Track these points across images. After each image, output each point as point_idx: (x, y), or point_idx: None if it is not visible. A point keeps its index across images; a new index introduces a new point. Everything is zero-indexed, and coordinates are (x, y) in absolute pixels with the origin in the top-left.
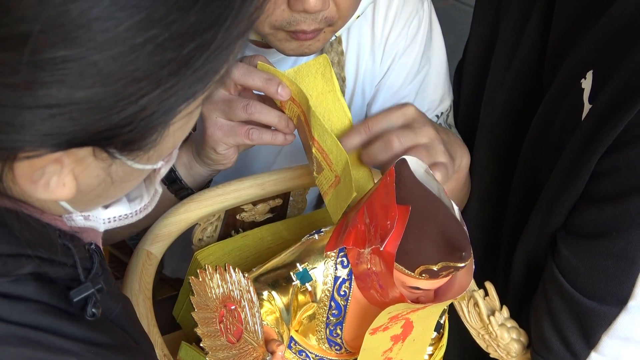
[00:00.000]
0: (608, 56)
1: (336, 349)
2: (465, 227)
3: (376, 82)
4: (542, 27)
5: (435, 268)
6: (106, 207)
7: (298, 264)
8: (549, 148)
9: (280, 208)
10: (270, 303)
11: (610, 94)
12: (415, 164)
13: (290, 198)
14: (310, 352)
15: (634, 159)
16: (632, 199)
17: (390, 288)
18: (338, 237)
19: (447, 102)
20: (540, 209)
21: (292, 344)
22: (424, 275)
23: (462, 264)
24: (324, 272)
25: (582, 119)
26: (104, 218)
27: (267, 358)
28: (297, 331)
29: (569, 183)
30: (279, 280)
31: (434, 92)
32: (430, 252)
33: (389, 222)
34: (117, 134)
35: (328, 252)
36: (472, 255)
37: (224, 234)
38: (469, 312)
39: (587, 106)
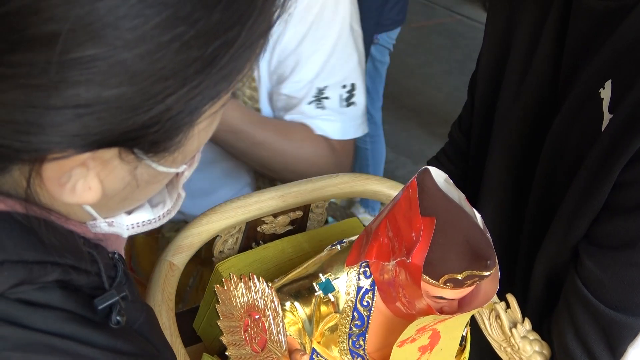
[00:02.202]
0: (627, 65)
1: None
2: (489, 235)
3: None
4: (556, 40)
5: (460, 277)
6: (129, 213)
7: (321, 275)
8: (567, 160)
9: (300, 220)
10: (293, 314)
11: (632, 104)
12: (435, 173)
13: (311, 211)
14: None
15: None
16: None
17: (417, 300)
18: (359, 251)
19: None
20: (561, 220)
21: (314, 356)
22: (448, 284)
23: (487, 273)
24: (346, 282)
25: (602, 129)
26: (128, 224)
27: None
28: (319, 342)
29: (591, 194)
30: (301, 291)
31: (340, 65)
32: (454, 261)
33: (414, 234)
34: (143, 134)
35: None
36: (497, 263)
37: (244, 246)
38: (490, 324)
39: (607, 116)
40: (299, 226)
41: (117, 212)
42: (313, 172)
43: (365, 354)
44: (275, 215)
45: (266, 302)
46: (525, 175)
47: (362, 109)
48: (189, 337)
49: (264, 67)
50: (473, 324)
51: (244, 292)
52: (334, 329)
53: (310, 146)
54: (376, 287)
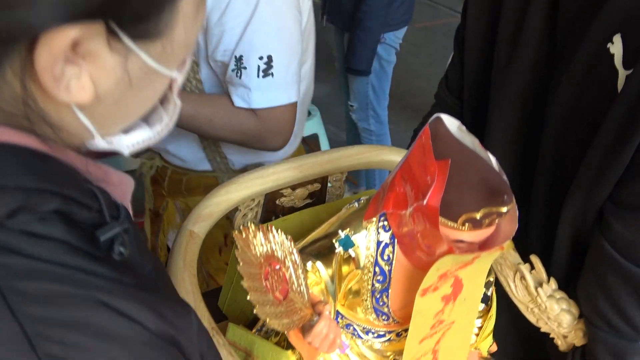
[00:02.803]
0: (636, 14)
1: (383, 319)
2: (504, 176)
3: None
4: (548, 8)
5: (477, 216)
6: (127, 132)
7: (340, 231)
8: (579, 122)
9: (319, 193)
10: (315, 274)
11: None
12: (448, 120)
13: (329, 184)
14: (357, 325)
15: None
16: None
17: (437, 244)
18: (376, 205)
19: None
20: (582, 183)
21: (338, 318)
22: (467, 225)
23: (505, 208)
24: (366, 237)
25: (619, 86)
26: (127, 143)
27: (315, 318)
28: (343, 305)
29: (615, 154)
30: (322, 251)
31: (257, 37)
32: (471, 200)
33: (429, 178)
34: (124, 3)
35: (368, 220)
36: (513, 200)
37: (264, 220)
38: (516, 286)
39: (622, 72)
40: (317, 199)
41: (113, 125)
42: (246, 141)
43: (389, 312)
44: (293, 188)
45: (286, 254)
46: (530, 143)
47: (282, 79)
48: (215, 318)
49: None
50: (499, 289)
51: (263, 241)
52: (357, 292)
53: (227, 118)
54: (396, 240)
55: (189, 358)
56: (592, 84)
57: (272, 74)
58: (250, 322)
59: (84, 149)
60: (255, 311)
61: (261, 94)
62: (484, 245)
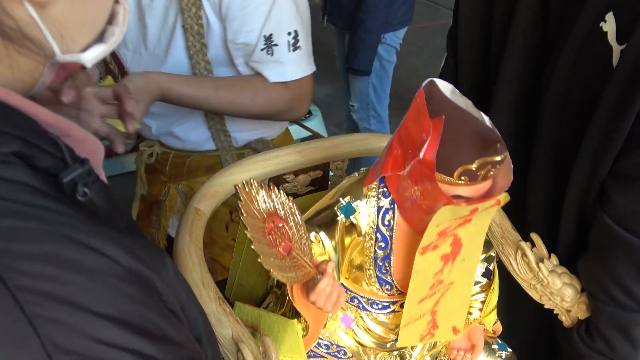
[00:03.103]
0: None
1: (387, 289)
2: (497, 131)
3: None
4: None
5: (473, 167)
6: (83, 52)
7: (341, 199)
8: (577, 99)
9: (321, 180)
10: (319, 245)
11: None
12: (442, 84)
13: (331, 172)
14: (362, 297)
15: None
16: None
17: (436, 203)
18: (375, 171)
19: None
20: (584, 159)
21: None
22: (463, 178)
23: (499, 157)
24: (367, 203)
25: (614, 62)
26: (87, 58)
27: (318, 277)
28: (347, 279)
29: (614, 127)
30: (325, 221)
31: (283, 14)
32: (466, 152)
33: (424, 135)
34: None
35: (368, 186)
36: (506, 150)
37: None
38: (517, 264)
39: (616, 48)
40: (319, 187)
41: (71, 37)
42: (279, 113)
43: (392, 280)
44: (295, 174)
45: (288, 214)
46: (529, 125)
47: (308, 51)
48: None
49: (212, 14)
50: (500, 269)
51: (266, 198)
52: (360, 267)
53: (263, 95)
54: (396, 206)
55: (165, 300)
56: (588, 63)
57: (300, 47)
58: (256, 305)
59: (51, 64)
60: (259, 260)
61: (294, 66)
62: (481, 201)
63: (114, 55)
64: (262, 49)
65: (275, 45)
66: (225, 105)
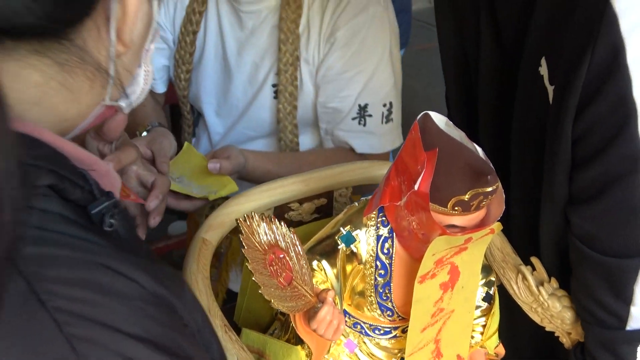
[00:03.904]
0: (552, 40)
1: (388, 315)
2: (490, 163)
3: (317, 59)
4: (493, 28)
5: (465, 198)
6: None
7: (342, 228)
8: (534, 136)
9: (325, 208)
10: (321, 273)
11: (563, 71)
12: (436, 117)
13: (335, 200)
14: (364, 323)
15: (600, 113)
16: (611, 149)
17: (431, 232)
18: (374, 200)
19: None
20: (546, 189)
21: (346, 317)
22: (456, 209)
23: (490, 188)
24: (366, 232)
25: (550, 101)
26: (124, 105)
27: (319, 305)
28: (350, 305)
29: (557, 158)
30: (326, 250)
31: (381, 86)
32: (458, 183)
33: (419, 167)
34: None
35: (368, 215)
36: (498, 180)
37: None
38: (518, 287)
39: (550, 89)
40: (324, 214)
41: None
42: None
43: (393, 306)
44: (300, 202)
45: (289, 245)
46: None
47: (397, 124)
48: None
49: (308, 77)
50: (501, 293)
51: (267, 231)
52: (362, 293)
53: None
54: (394, 234)
55: (186, 324)
56: (534, 102)
57: (392, 119)
58: (263, 330)
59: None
60: (260, 291)
61: (385, 139)
62: (475, 230)
63: (191, 108)
64: (354, 118)
65: (369, 115)
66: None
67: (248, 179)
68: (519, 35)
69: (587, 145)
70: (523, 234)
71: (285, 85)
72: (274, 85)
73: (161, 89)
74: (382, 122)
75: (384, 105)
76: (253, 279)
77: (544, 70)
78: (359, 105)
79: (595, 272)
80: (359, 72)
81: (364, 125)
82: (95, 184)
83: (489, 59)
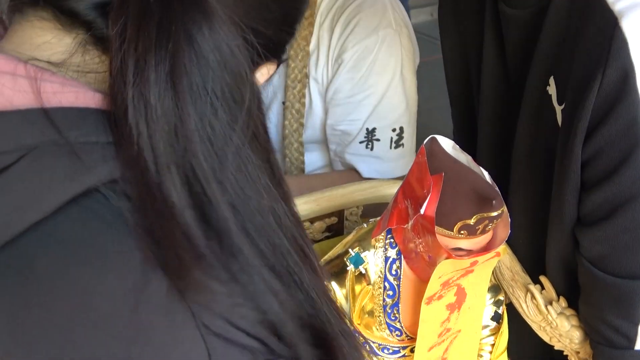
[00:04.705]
0: (561, 59)
1: (397, 335)
2: (496, 187)
3: (326, 79)
4: (497, 48)
5: (471, 222)
6: None
7: (350, 250)
8: (539, 157)
9: (336, 227)
10: (330, 293)
11: (573, 91)
12: (443, 141)
13: (346, 219)
14: (373, 342)
15: (610, 136)
16: (622, 172)
17: (438, 254)
18: (382, 223)
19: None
20: (555, 214)
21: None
22: (462, 232)
23: (495, 213)
24: (375, 254)
25: (558, 121)
26: None
27: None
28: (359, 325)
29: (567, 180)
30: (336, 271)
31: (391, 110)
32: (464, 207)
33: (425, 191)
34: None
35: (376, 237)
36: (504, 204)
37: None
38: (527, 306)
39: (558, 109)
40: (335, 233)
41: None
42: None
43: (402, 327)
44: (311, 221)
45: None
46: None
47: (410, 149)
48: None
49: (317, 96)
50: (510, 311)
51: None
52: (371, 313)
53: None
54: (402, 256)
55: None
56: (541, 123)
57: (402, 145)
58: None
59: None
60: None
61: (393, 164)
62: (481, 254)
63: None
64: (362, 142)
65: (377, 140)
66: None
67: None
68: (525, 55)
69: (597, 167)
70: (525, 255)
71: (292, 102)
72: (283, 103)
73: None
74: (390, 147)
75: (393, 130)
76: None
77: (552, 89)
78: (367, 129)
79: (605, 293)
80: (367, 95)
81: (371, 149)
82: None
83: (491, 77)
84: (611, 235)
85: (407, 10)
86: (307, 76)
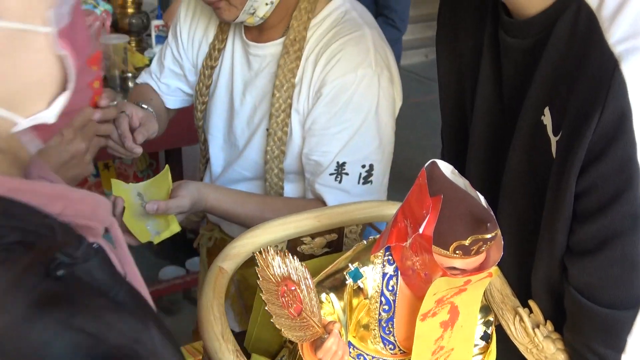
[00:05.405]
0: (557, 91)
1: (390, 349)
2: (491, 211)
3: (306, 110)
4: (493, 75)
5: (466, 243)
6: (49, 107)
7: (350, 265)
8: (529, 186)
9: (336, 243)
10: (329, 305)
11: (570, 124)
12: (442, 165)
13: (345, 236)
14: (367, 355)
15: (605, 172)
16: (614, 206)
17: (434, 272)
18: (382, 240)
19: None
20: (543, 242)
21: (350, 349)
22: (457, 252)
23: (489, 235)
24: (373, 269)
25: (553, 151)
26: (52, 115)
27: (325, 336)
28: (355, 337)
29: (558, 210)
30: (335, 284)
31: (362, 147)
32: (460, 228)
33: (424, 211)
34: None
35: (375, 254)
36: (497, 227)
37: None
38: (515, 328)
39: (553, 139)
40: (335, 249)
41: (23, 102)
42: None
43: (395, 341)
44: (312, 237)
45: (300, 279)
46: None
47: (379, 187)
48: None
49: (298, 126)
50: (499, 332)
51: (280, 264)
52: (366, 326)
53: None
54: (399, 272)
55: None
56: (534, 152)
57: (371, 182)
58: (272, 357)
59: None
60: (271, 320)
61: (360, 200)
62: (474, 273)
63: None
64: (332, 174)
65: (346, 174)
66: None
67: (211, 213)
68: (521, 82)
69: (590, 200)
70: (511, 279)
71: (275, 129)
72: (267, 130)
73: (169, 104)
74: (358, 182)
75: (363, 166)
76: (265, 308)
77: (547, 119)
78: (337, 162)
79: (590, 321)
80: (340, 130)
81: (340, 182)
82: (65, 231)
83: (486, 102)
84: (600, 267)
85: (400, 51)
86: (290, 106)
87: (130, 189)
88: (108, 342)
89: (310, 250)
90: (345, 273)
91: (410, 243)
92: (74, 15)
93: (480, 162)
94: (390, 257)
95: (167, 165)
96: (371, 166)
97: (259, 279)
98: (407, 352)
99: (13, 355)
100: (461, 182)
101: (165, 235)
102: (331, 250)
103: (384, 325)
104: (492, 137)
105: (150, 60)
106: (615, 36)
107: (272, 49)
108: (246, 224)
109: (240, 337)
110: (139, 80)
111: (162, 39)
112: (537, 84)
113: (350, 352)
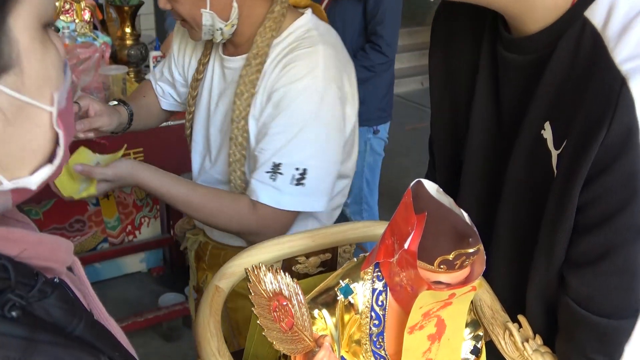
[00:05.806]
0: (560, 106)
1: None
2: (474, 227)
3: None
4: (491, 90)
5: (450, 257)
6: (32, 174)
7: (341, 281)
8: (529, 201)
9: (330, 262)
10: (322, 321)
11: (575, 139)
12: (428, 184)
13: (339, 255)
14: None
15: (610, 185)
16: (617, 218)
17: (420, 287)
18: (371, 257)
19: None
20: (541, 253)
21: None
22: (442, 267)
23: (472, 249)
24: (363, 285)
25: (553, 164)
26: (34, 182)
27: (316, 349)
28: (347, 352)
29: (560, 222)
30: (327, 301)
31: (298, 151)
32: (444, 244)
33: (410, 228)
34: None
35: (365, 270)
36: (480, 242)
37: None
38: (505, 343)
39: (554, 153)
40: (329, 268)
41: (12, 166)
42: (243, 232)
43: (386, 354)
44: (307, 256)
45: (292, 294)
46: (491, 219)
47: (313, 191)
48: None
49: (255, 130)
50: (489, 347)
51: (272, 280)
52: (358, 342)
53: (234, 211)
54: (388, 288)
55: None
56: (534, 165)
57: (303, 184)
58: None
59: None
60: (263, 334)
61: (291, 198)
62: (459, 286)
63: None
64: (267, 172)
65: (281, 173)
66: (192, 209)
67: (142, 189)
68: (521, 98)
69: (594, 212)
70: (504, 292)
71: (236, 134)
72: (230, 135)
73: (163, 106)
74: (290, 183)
75: (297, 169)
76: (258, 322)
77: (547, 133)
78: (274, 162)
79: (588, 331)
80: (279, 132)
81: (274, 180)
82: (21, 270)
83: (482, 118)
84: (599, 277)
85: (392, 77)
86: (249, 113)
87: (93, 157)
88: None
89: (305, 269)
90: (336, 289)
91: (397, 259)
92: (68, 100)
93: (476, 177)
94: (379, 273)
95: (124, 145)
96: (305, 170)
97: (251, 294)
98: None
99: None
100: (446, 200)
101: (83, 195)
102: (325, 269)
103: (375, 339)
104: (489, 151)
105: None
106: (622, 55)
107: (241, 62)
108: (174, 204)
109: (237, 356)
110: (147, 77)
111: None
112: (538, 99)
113: None
